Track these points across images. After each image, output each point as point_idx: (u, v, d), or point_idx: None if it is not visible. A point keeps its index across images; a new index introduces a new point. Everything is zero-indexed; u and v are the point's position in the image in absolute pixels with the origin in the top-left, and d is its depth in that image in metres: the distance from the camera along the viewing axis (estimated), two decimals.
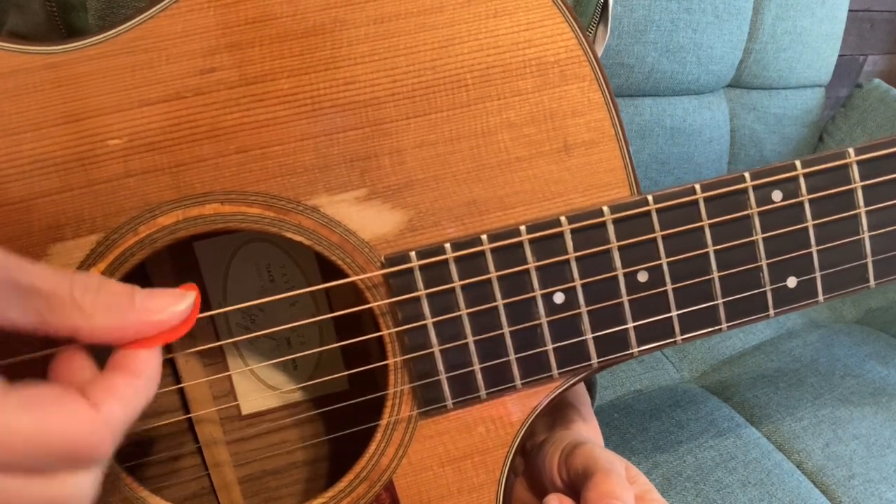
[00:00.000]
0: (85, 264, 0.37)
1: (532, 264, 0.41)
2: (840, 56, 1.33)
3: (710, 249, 0.42)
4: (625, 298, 0.42)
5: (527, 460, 0.50)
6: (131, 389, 0.30)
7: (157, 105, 0.37)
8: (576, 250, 0.41)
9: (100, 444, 0.28)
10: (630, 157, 0.42)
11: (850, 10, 1.30)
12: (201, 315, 0.35)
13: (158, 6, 0.36)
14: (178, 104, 0.37)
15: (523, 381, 0.42)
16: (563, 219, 0.40)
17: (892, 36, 1.82)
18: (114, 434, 0.29)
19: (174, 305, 0.32)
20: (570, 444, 0.44)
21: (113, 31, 0.36)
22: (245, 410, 0.52)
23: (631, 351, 0.43)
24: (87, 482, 0.29)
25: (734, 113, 1.24)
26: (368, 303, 0.40)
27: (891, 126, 1.29)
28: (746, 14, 1.14)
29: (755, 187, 0.42)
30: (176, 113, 0.37)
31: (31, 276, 0.29)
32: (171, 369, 0.49)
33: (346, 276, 0.40)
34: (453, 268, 0.40)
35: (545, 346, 0.42)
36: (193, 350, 0.48)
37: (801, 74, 1.27)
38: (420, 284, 0.40)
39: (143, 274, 0.48)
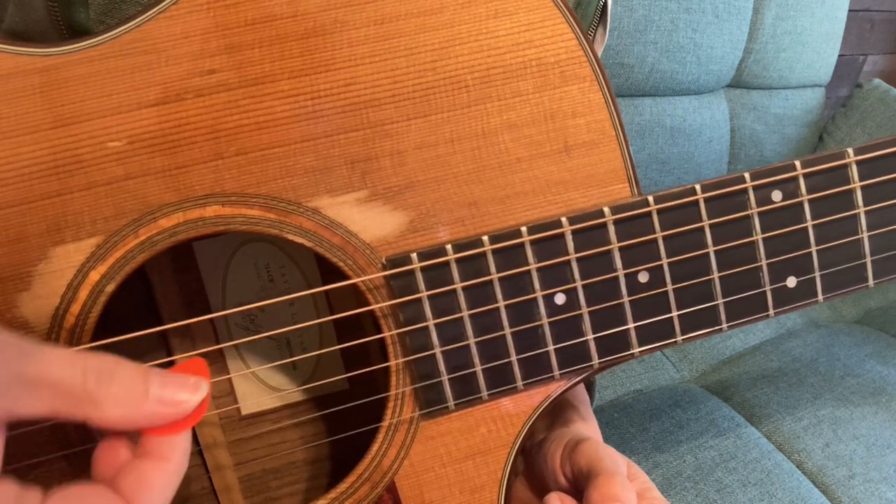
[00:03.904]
0: (85, 267, 0.37)
1: (533, 265, 0.41)
2: (840, 56, 1.33)
3: (711, 250, 0.42)
4: (625, 299, 0.42)
5: (527, 459, 0.50)
6: (162, 475, 0.30)
7: (156, 107, 0.37)
8: (577, 251, 0.41)
9: None
10: (630, 158, 0.42)
11: (850, 10, 1.29)
12: (200, 318, 0.35)
13: (157, 8, 0.36)
14: (177, 106, 0.37)
15: (524, 381, 0.42)
16: (563, 220, 0.40)
17: (892, 36, 1.82)
18: None
19: (189, 396, 0.31)
20: (572, 440, 0.44)
21: (111, 33, 0.36)
22: (245, 411, 0.52)
23: (632, 351, 0.43)
24: None
25: (734, 113, 1.24)
26: (369, 304, 0.40)
27: (891, 126, 1.29)
28: (746, 14, 1.14)
29: (755, 187, 0.42)
30: (176, 115, 0.37)
31: (39, 366, 0.28)
32: None
33: (346, 277, 0.40)
34: (455, 269, 0.40)
35: (546, 346, 0.42)
36: (194, 353, 0.48)
37: (801, 74, 1.27)
38: (421, 286, 0.40)
39: (143, 273, 0.48)
